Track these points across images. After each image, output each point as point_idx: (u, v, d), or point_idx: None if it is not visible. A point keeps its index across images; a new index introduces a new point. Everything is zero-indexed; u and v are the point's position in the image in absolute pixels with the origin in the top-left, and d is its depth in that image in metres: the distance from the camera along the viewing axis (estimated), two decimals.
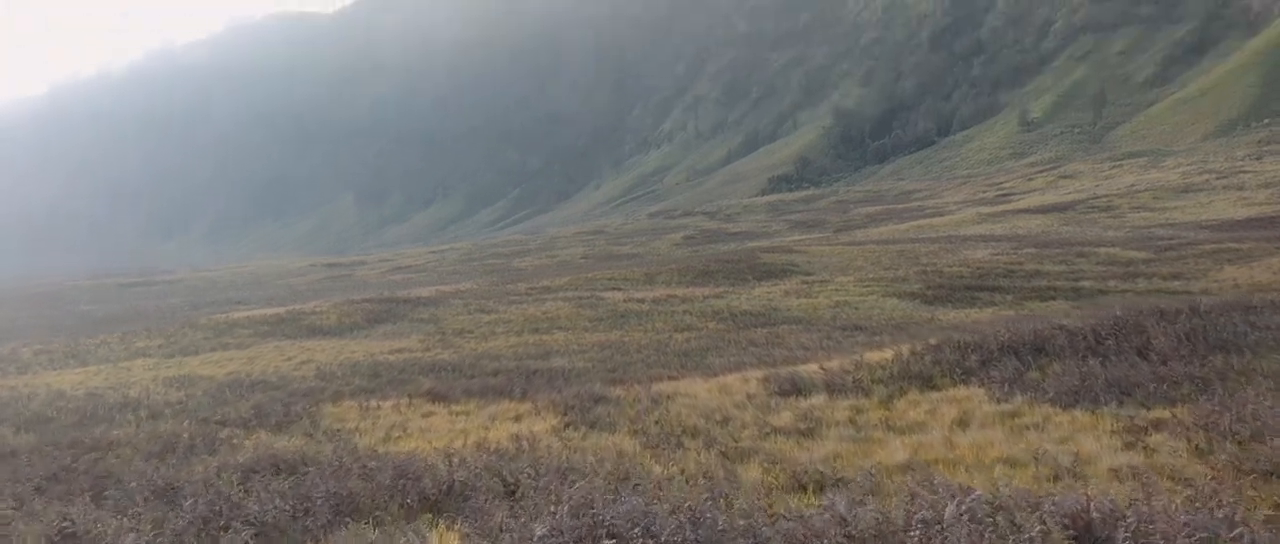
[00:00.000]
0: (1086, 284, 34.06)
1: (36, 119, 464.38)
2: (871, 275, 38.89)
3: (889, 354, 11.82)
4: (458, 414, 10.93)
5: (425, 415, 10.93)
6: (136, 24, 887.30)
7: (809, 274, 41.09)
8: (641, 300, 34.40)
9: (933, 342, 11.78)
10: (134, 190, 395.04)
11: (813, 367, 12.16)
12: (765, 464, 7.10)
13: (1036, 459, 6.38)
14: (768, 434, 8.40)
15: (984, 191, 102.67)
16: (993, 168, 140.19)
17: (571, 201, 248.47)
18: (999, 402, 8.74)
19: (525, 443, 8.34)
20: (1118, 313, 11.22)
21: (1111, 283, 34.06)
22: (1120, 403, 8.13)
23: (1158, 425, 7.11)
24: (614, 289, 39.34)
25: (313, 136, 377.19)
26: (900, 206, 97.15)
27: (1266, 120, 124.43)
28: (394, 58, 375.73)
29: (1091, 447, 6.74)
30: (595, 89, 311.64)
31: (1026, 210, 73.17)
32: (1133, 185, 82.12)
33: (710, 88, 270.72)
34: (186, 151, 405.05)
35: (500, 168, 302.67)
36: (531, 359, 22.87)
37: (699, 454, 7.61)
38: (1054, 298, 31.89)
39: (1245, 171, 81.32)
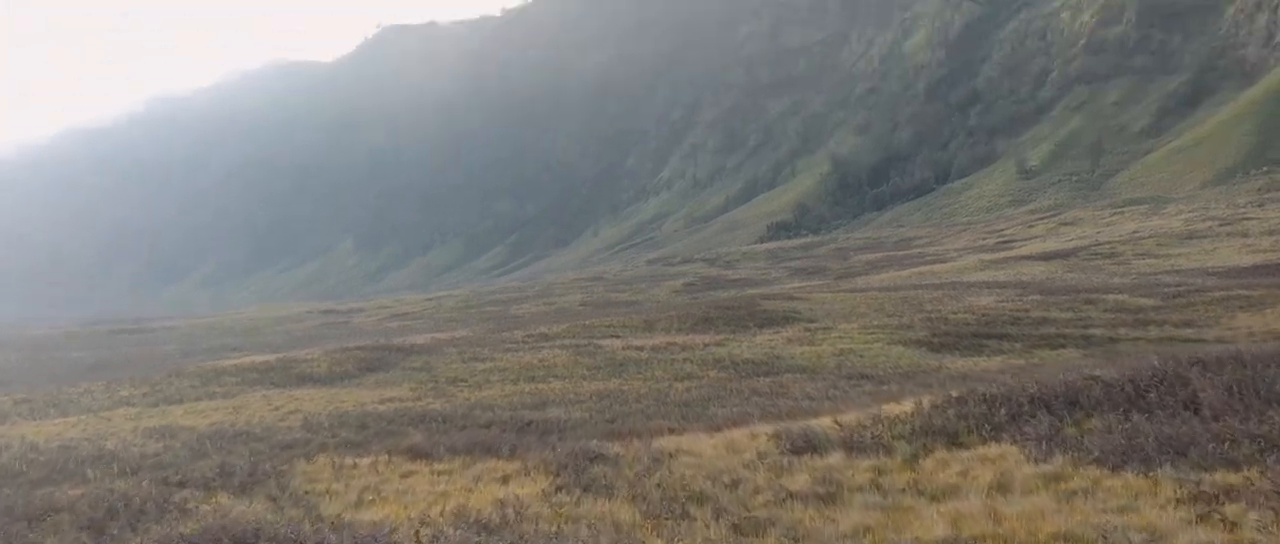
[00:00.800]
0: (1096, 332, 33.29)
1: (38, 164, 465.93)
2: (875, 322, 38.09)
3: (908, 407, 10.99)
4: (440, 474, 10.02)
5: (404, 475, 10.03)
6: (137, 71, 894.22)
7: (811, 321, 40.29)
8: (640, 348, 33.56)
9: (955, 394, 10.96)
10: (133, 236, 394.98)
11: (826, 420, 11.32)
12: (784, 539, 6.24)
13: (1104, 537, 5.53)
14: (783, 500, 7.54)
15: (984, 238, 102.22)
16: (992, 215, 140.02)
17: (569, 248, 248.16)
18: (1037, 462, 7.91)
19: (511, 510, 7.46)
20: (1155, 362, 10.43)
21: (1121, 330, 33.28)
22: (1175, 464, 7.31)
23: (1229, 493, 6.29)
24: (612, 336, 38.50)
25: (312, 183, 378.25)
26: (901, 253, 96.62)
27: (1265, 168, 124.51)
28: (392, 105, 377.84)
29: (1159, 519, 5.92)
30: (592, 137, 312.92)
31: (1029, 257, 72.58)
32: (1135, 232, 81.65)
33: (707, 135, 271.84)
34: (186, 198, 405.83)
35: (498, 215, 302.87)
36: (526, 409, 22.02)
37: (707, 526, 6.75)
38: (1063, 346, 31.11)
39: (1248, 219, 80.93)
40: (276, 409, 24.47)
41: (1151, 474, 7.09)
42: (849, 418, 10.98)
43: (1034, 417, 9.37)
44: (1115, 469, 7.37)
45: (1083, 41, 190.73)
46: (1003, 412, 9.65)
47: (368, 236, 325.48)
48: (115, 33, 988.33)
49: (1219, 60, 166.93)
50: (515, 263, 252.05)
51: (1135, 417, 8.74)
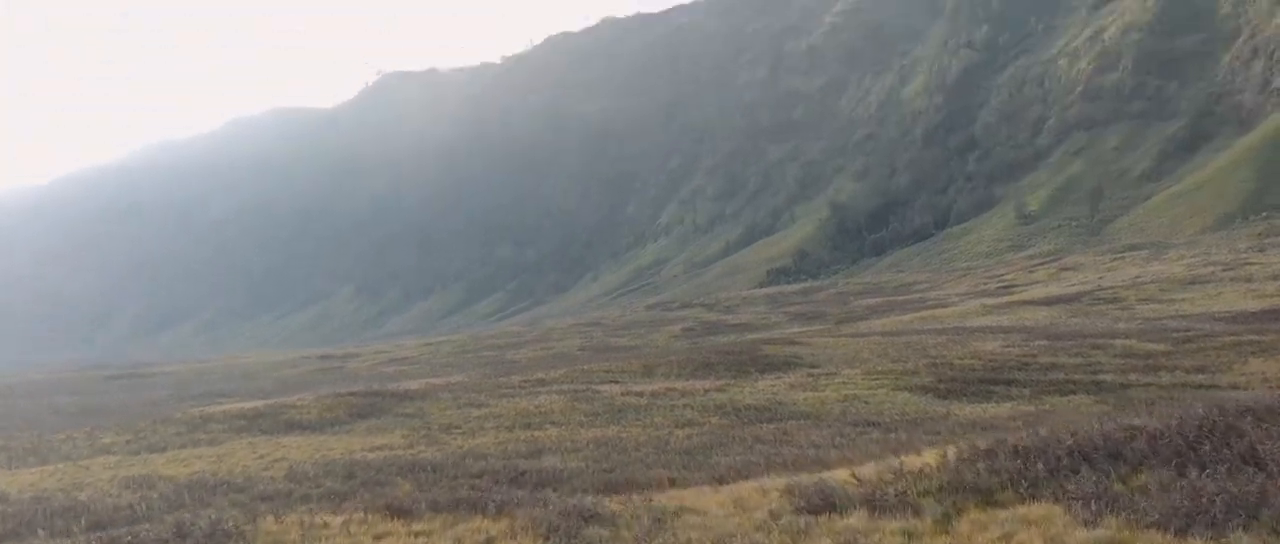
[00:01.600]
0: (1107, 377, 32.45)
1: (38, 209, 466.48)
2: (879, 368, 37.22)
3: (931, 459, 10.11)
4: (417, 535, 9.07)
5: (378, 538, 9.08)
6: (138, 116, 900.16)
7: (814, 366, 39.43)
8: (640, 394, 32.66)
9: (983, 445, 10.09)
10: (133, 281, 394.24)
11: (840, 473, 10.44)
12: None
13: None
14: None
15: (985, 283, 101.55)
16: (992, 260, 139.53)
17: (569, 294, 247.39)
18: (1087, 525, 7.06)
19: None
20: (1200, 410, 9.59)
21: (1133, 376, 32.43)
22: (1247, 528, 6.49)
23: None
24: (611, 382, 37.60)
25: (311, 229, 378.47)
26: (901, 298, 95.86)
27: (1264, 214, 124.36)
28: (393, 151, 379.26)
29: None
30: (591, 183, 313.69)
31: (1031, 302, 71.82)
32: (1138, 277, 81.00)
33: (707, 181, 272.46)
34: (185, 244, 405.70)
35: (497, 260, 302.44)
36: (520, 458, 21.12)
37: None
38: (1074, 392, 30.27)
39: (1250, 263, 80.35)
40: (261, 457, 23.55)
41: (1223, 540, 6.27)
42: (867, 471, 10.09)
43: (1076, 472, 8.49)
44: (1180, 534, 6.53)
45: (1080, 88, 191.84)
46: (1040, 466, 8.76)
47: (367, 282, 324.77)
48: (118, 75, 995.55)
49: (1216, 106, 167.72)
50: (515, 308, 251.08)
51: (1191, 472, 7.90)
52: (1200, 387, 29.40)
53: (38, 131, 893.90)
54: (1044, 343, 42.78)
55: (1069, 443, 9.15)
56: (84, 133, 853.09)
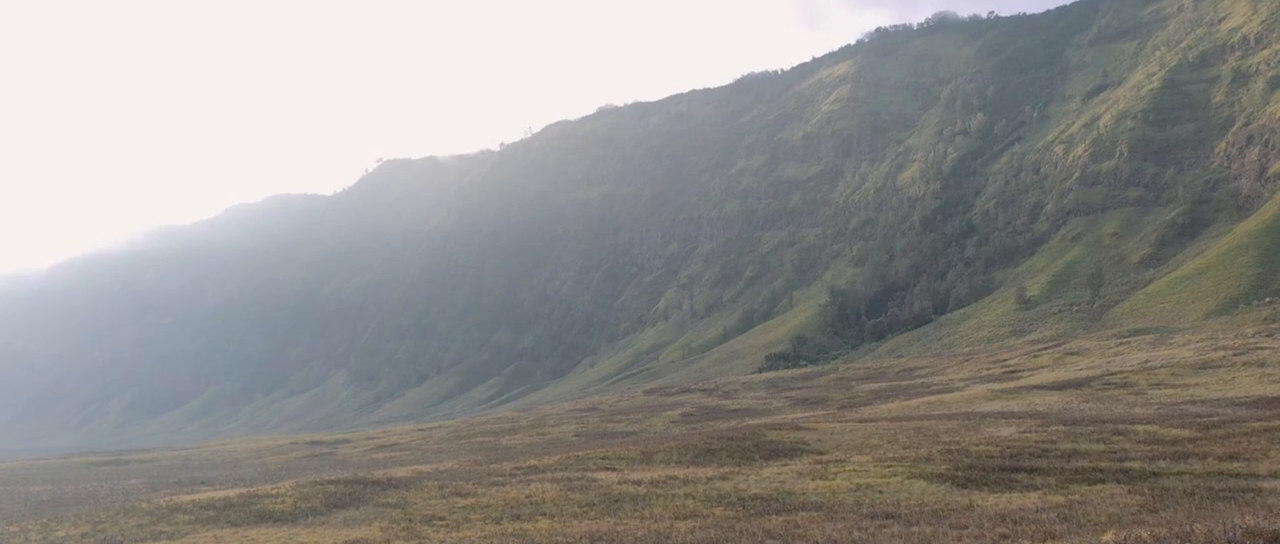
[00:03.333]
0: (1134, 465, 30.60)
1: (39, 293, 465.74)
2: (891, 454, 35.30)
3: None
4: None
5: None
6: (140, 201, 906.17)
7: (821, 453, 37.49)
8: (638, 482, 30.72)
9: None
10: (129, 367, 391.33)
11: None
12: None
13: None
14: None
15: (989, 368, 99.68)
16: (993, 345, 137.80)
17: (566, 379, 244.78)
18: None
19: None
20: None
21: (1161, 464, 30.59)
22: None
23: None
24: (607, 469, 35.62)
25: (308, 314, 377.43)
26: (904, 383, 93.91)
27: (1268, 299, 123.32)
28: (391, 237, 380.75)
29: None
30: (589, 269, 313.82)
31: (1040, 387, 69.97)
32: (1146, 361, 79.27)
33: (704, 267, 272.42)
34: (182, 329, 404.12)
35: (494, 345, 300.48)
36: None
37: None
38: (1102, 480, 28.34)
39: (1261, 348, 78.74)
40: None
41: None
42: None
43: None
44: None
45: (1077, 175, 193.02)
46: None
47: (363, 367, 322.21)
48: (119, 161, 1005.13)
49: (1213, 192, 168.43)
50: (511, 393, 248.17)
51: None
52: (1237, 476, 27.63)
53: (39, 216, 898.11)
54: (1061, 428, 40.94)
55: None
56: (84, 218, 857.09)
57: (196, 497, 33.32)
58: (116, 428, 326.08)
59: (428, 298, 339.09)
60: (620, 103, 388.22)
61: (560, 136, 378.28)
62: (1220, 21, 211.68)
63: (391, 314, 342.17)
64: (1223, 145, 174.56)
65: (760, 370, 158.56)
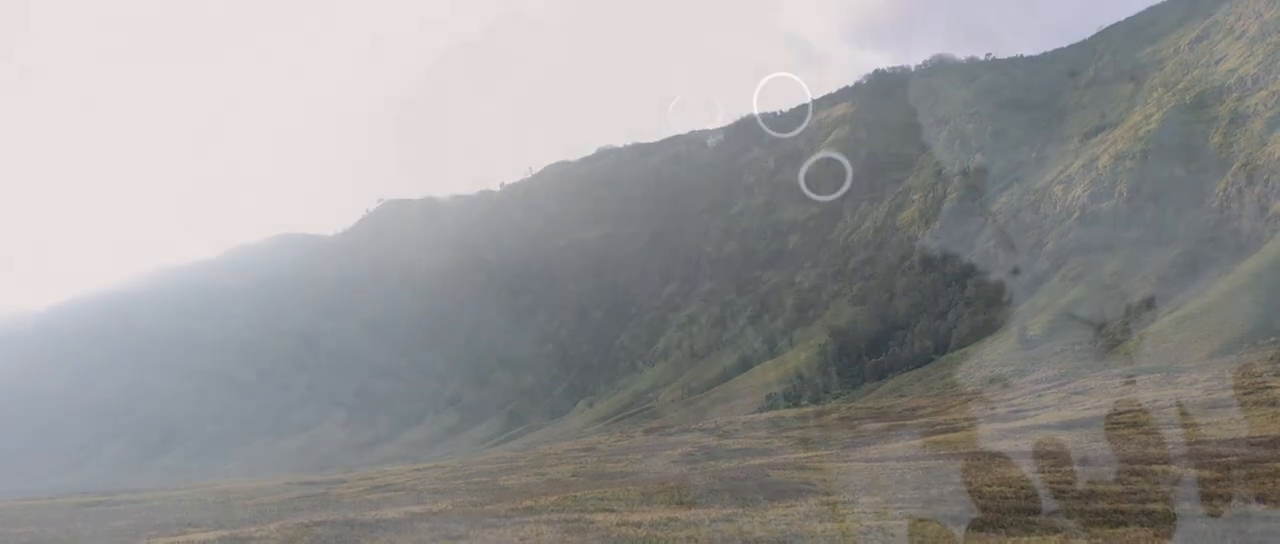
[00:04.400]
0: (1156, 507, 29.31)
1: (38, 333, 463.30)
2: (900, 495, 34.00)
3: None
4: None
5: None
6: (140, 245, 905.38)
7: (828, 494, 36.15)
8: (638, 524, 29.38)
9: None
10: (126, 408, 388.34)
11: None
12: None
13: None
14: None
15: (994, 407, 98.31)
16: (996, 384, 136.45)
17: (564, 419, 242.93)
18: None
19: None
20: None
21: (1185, 506, 29.31)
22: None
23: None
24: (606, 510, 34.24)
25: (306, 354, 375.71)
26: (909, 422, 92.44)
27: (1272, 338, 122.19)
28: (389, 276, 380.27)
29: None
30: (587, 310, 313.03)
31: (1048, 426, 68.54)
32: (1155, 400, 77.99)
33: (703, 307, 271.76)
34: (180, 369, 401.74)
35: (493, 385, 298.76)
36: None
37: None
38: (1124, 523, 27.05)
39: (1270, 387, 77.51)
40: None
41: None
42: None
43: None
44: None
45: (1076, 215, 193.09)
46: None
47: (361, 407, 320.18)
48: (118, 202, 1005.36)
49: (1214, 232, 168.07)
50: (510, 434, 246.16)
51: None
52: (1267, 518, 26.40)
53: (35, 257, 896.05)
54: (1075, 468, 39.65)
55: None
56: (86, 258, 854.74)
57: (177, 540, 32.00)
58: (113, 468, 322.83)
59: (426, 337, 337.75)
60: (620, 143, 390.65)
61: (560, 177, 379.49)
62: (1217, 63, 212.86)
63: (390, 354, 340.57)
64: (1222, 185, 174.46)
65: (761, 410, 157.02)
